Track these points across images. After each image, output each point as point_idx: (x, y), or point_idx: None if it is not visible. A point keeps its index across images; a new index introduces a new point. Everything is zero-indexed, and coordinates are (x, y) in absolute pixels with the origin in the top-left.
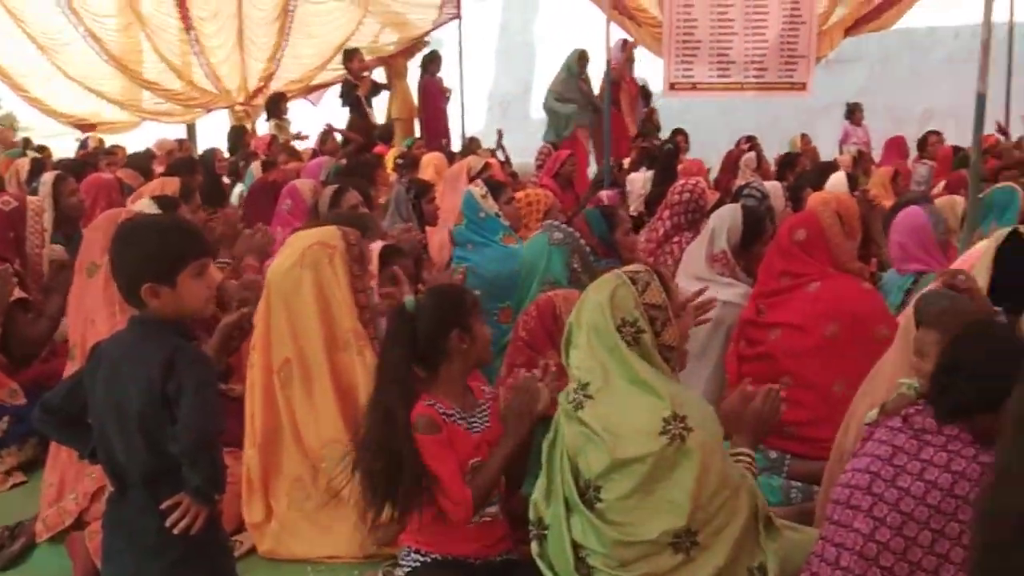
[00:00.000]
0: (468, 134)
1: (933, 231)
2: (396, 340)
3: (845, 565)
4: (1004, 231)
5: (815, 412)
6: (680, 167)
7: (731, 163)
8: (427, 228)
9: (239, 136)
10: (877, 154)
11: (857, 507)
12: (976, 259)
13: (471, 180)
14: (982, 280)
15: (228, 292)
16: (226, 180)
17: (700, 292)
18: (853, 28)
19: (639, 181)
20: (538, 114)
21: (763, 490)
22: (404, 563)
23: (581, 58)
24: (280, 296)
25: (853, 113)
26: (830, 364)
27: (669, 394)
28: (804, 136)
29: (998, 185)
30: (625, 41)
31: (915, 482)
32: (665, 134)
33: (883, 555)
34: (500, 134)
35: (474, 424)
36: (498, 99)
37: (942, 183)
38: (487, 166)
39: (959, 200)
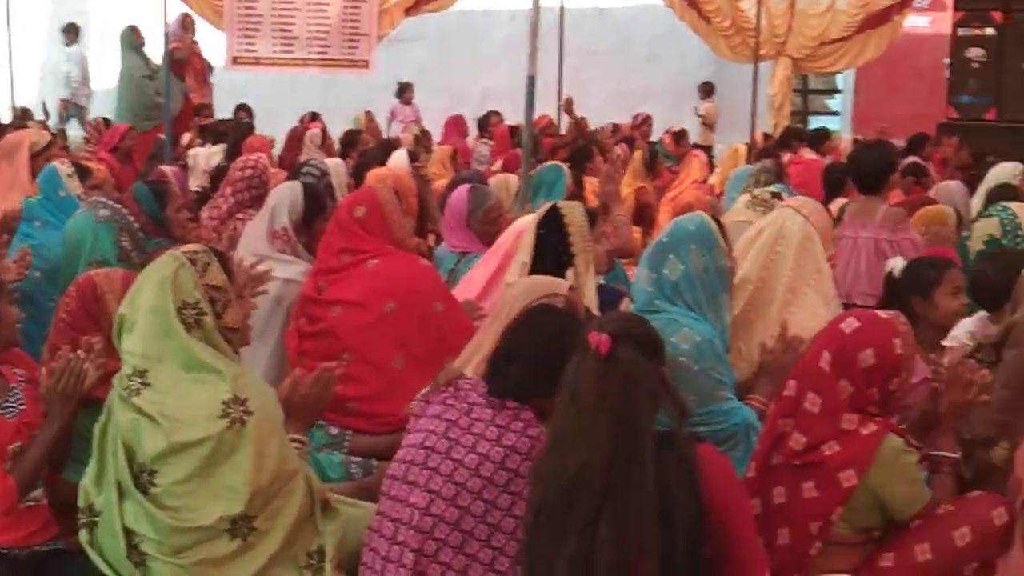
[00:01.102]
0: (19, 105)
1: (471, 212)
2: None
3: (402, 539)
4: (546, 206)
5: (375, 387)
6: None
7: (295, 140)
8: None
9: None
10: (437, 133)
11: (414, 482)
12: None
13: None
14: (526, 254)
15: None
16: None
17: (254, 265)
18: (413, 8)
19: (203, 156)
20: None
21: (324, 466)
22: None
23: (134, 33)
24: None
25: (403, 92)
26: (389, 340)
27: (231, 377)
28: (368, 113)
29: (547, 164)
30: (185, 15)
31: (469, 454)
32: (228, 110)
33: (438, 527)
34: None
35: (8, 409)
36: (50, 70)
37: (500, 161)
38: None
39: (513, 178)
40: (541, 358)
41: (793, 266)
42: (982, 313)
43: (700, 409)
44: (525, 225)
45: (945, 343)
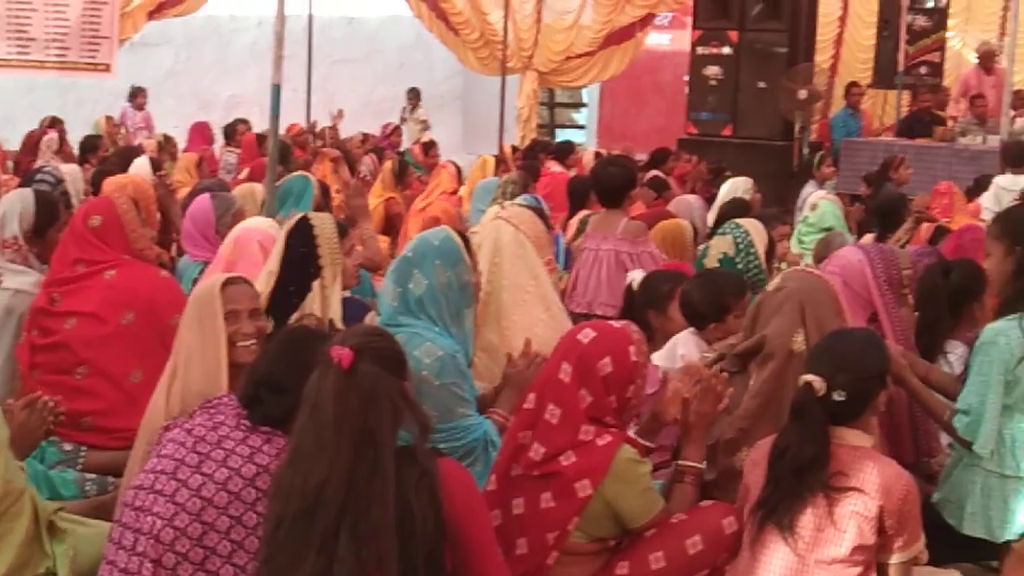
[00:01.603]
0: None
1: (219, 218)
2: None
3: (142, 550)
4: (296, 217)
5: (112, 402)
6: None
7: (32, 144)
8: None
9: None
10: (183, 140)
11: (160, 492)
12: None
13: None
14: (274, 264)
15: None
16: None
17: None
18: (156, 12)
19: None
20: None
21: (57, 484)
22: None
23: None
24: None
25: (135, 97)
26: (127, 353)
27: None
28: (109, 118)
29: (293, 174)
30: None
31: (219, 468)
32: None
33: (180, 540)
34: None
35: None
36: None
37: (247, 170)
38: None
39: (259, 187)
40: (297, 383)
41: (510, 275)
42: (691, 330)
43: (442, 424)
44: (241, 232)
45: (658, 361)
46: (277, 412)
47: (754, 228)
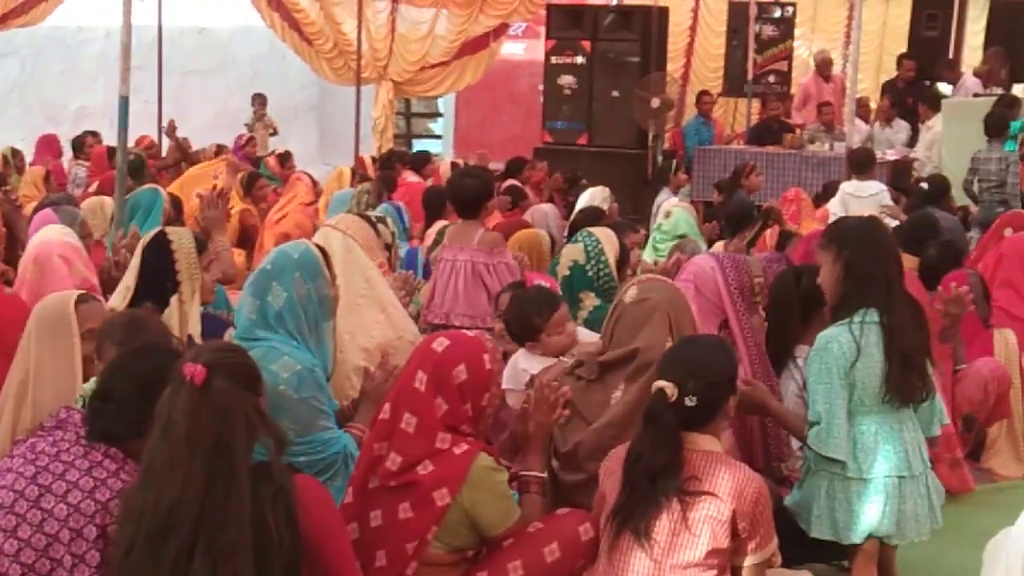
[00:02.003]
0: None
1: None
2: None
3: None
4: (152, 232)
5: None
6: None
7: None
8: None
9: None
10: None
11: (3, 528)
12: None
13: None
14: (131, 279)
15: None
16: None
17: None
18: (1, 22)
19: None
20: None
21: None
22: None
23: None
24: None
25: None
26: None
27: None
28: None
29: (143, 187)
30: None
31: (59, 504)
32: None
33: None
34: None
35: None
36: None
37: (96, 183)
38: None
39: (108, 201)
40: (137, 398)
41: (343, 281)
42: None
43: (300, 438)
44: (38, 250)
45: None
46: (115, 426)
47: (605, 236)
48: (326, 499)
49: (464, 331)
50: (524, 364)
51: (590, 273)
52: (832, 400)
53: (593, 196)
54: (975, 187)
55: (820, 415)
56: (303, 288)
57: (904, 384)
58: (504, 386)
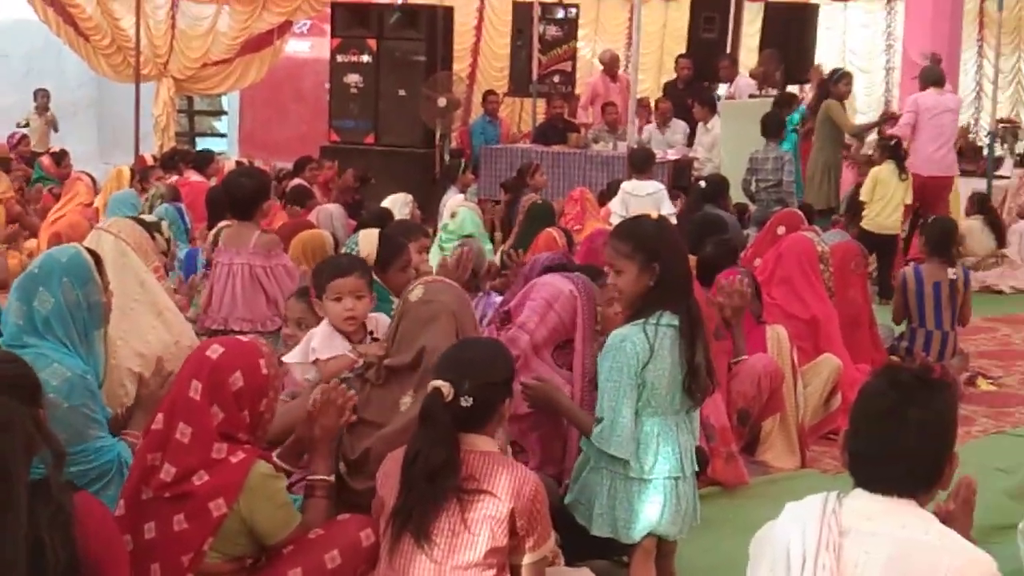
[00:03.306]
0: None
1: None
2: None
3: None
4: None
5: None
6: None
7: None
8: None
9: None
10: None
11: None
12: None
13: None
14: None
15: None
16: None
17: None
18: None
19: None
20: None
21: None
22: None
23: None
24: None
25: None
26: None
27: None
28: None
29: None
30: None
31: None
32: None
33: None
34: None
35: None
36: None
37: None
38: None
39: None
40: None
41: (116, 285)
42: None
43: (72, 448)
44: None
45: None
46: None
47: (365, 238)
48: (106, 519)
49: (239, 336)
50: (316, 343)
51: None
52: (619, 399)
53: (393, 203)
54: (753, 186)
55: (606, 412)
56: (72, 294)
57: (699, 387)
58: (292, 360)
